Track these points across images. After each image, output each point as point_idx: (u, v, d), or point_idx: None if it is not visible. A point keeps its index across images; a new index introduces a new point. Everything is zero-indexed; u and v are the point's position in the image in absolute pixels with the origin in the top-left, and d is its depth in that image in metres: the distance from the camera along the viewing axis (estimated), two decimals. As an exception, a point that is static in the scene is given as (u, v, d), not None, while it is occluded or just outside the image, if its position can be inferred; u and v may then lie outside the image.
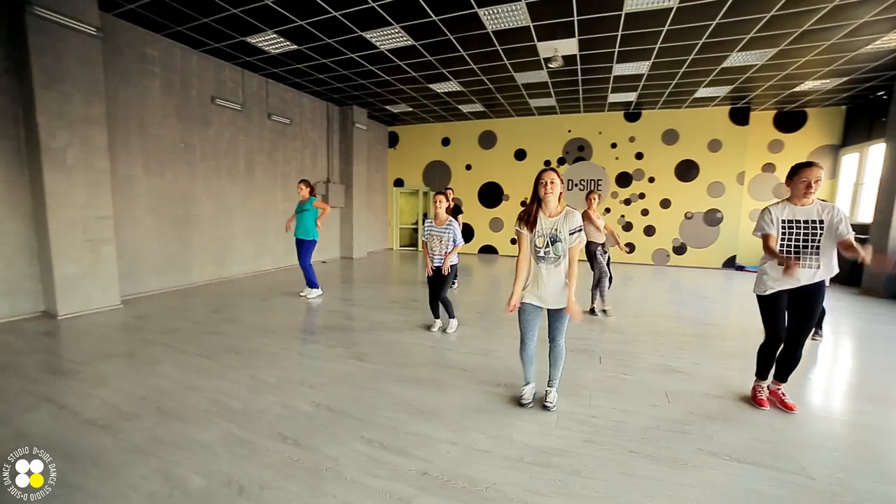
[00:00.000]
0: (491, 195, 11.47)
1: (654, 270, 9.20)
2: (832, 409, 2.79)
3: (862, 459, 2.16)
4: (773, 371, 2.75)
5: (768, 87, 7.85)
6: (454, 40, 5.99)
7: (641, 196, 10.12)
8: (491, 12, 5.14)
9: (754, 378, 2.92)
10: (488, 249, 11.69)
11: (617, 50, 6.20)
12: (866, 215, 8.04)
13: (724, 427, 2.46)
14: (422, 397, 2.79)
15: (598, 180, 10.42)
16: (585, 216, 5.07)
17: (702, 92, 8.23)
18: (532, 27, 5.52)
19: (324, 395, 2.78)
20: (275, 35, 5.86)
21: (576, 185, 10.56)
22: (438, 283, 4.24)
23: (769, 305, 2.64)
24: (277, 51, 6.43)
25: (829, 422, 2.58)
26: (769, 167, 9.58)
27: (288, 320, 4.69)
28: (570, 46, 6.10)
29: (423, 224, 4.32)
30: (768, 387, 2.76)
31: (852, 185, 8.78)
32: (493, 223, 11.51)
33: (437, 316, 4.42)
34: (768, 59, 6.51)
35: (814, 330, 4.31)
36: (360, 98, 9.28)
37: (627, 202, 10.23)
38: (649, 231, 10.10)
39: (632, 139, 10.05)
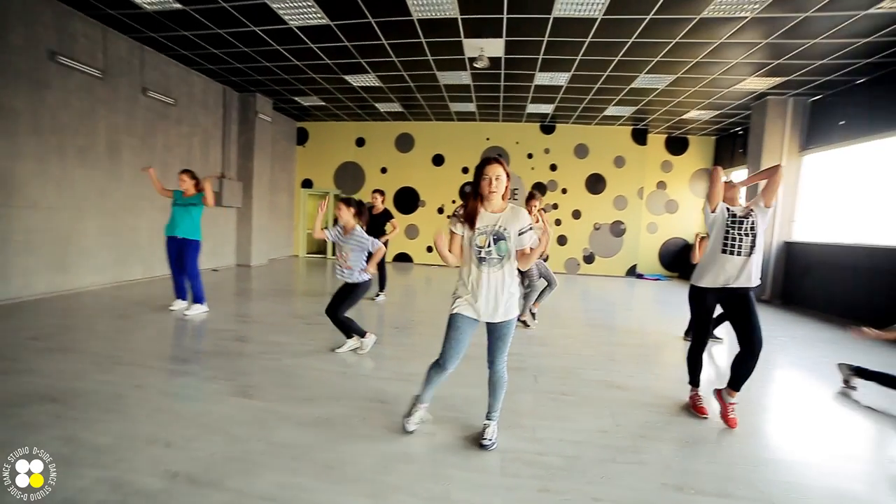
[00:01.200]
0: (407, 201, 10.99)
1: (566, 279, 9.50)
2: (763, 420, 2.78)
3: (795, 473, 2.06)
4: (728, 378, 2.65)
5: (663, 111, 8.64)
6: (375, 25, 5.41)
7: (555, 206, 10.49)
8: (417, -4, 4.70)
9: (689, 387, 2.83)
10: (403, 258, 11.15)
11: (541, 57, 6.19)
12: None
13: (678, 452, 2.24)
14: (328, 446, 2.13)
15: (515, 189, 10.57)
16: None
17: (610, 110, 8.77)
18: (460, 20, 5.20)
19: (186, 456, 1.97)
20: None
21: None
22: (345, 296, 3.55)
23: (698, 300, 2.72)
24: (154, 7, 5.20)
25: (764, 435, 2.53)
26: (662, 185, 10.62)
27: (152, 346, 3.61)
28: (496, 47, 5.93)
29: (333, 227, 3.62)
30: (722, 396, 2.66)
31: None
32: (408, 230, 11.02)
33: (348, 335, 3.73)
34: (667, 85, 7.09)
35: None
36: (264, 85, 8.15)
37: (542, 212, 10.53)
38: (562, 240, 10.49)
39: (547, 151, 10.40)
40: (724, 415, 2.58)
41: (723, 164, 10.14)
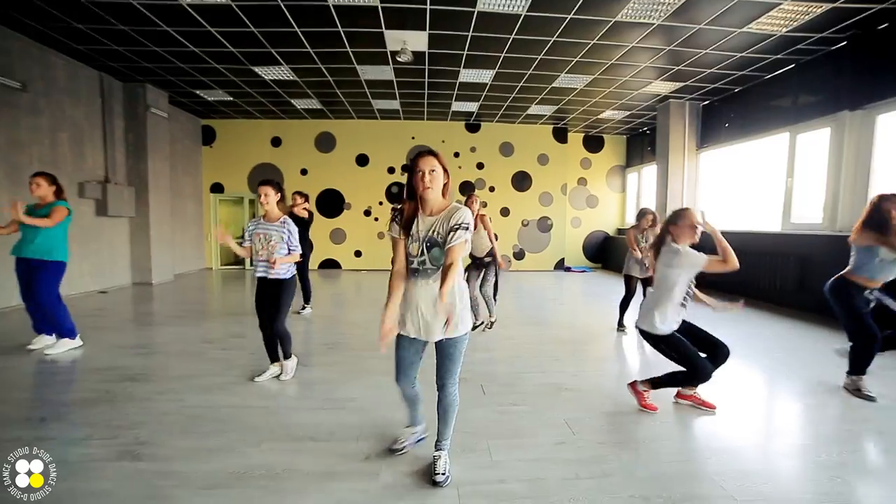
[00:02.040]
0: (331, 203, 10.34)
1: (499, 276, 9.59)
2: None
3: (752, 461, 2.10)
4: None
5: (581, 111, 9.07)
6: (285, 9, 4.85)
7: (484, 204, 10.54)
8: (331, -22, 4.26)
9: (643, 385, 2.78)
10: (330, 264, 10.48)
11: (465, 53, 6.06)
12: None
13: (636, 456, 2.17)
14: (249, 513, 1.71)
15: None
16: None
17: (533, 109, 8.99)
18: (381, 9, 4.86)
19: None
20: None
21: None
22: (272, 301, 3.08)
23: None
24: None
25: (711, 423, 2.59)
26: (583, 181, 11.22)
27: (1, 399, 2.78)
28: (419, 41, 5.67)
29: (248, 224, 3.10)
30: (687, 394, 2.72)
31: (636, 196, 10.93)
32: (334, 234, 10.39)
33: (273, 358, 3.24)
34: (585, 85, 7.40)
35: (618, 323, 4.85)
36: (156, 74, 7.03)
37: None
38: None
39: (473, 149, 10.42)
40: (702, 402, 2.69)
41: (633, 162, 11.00)
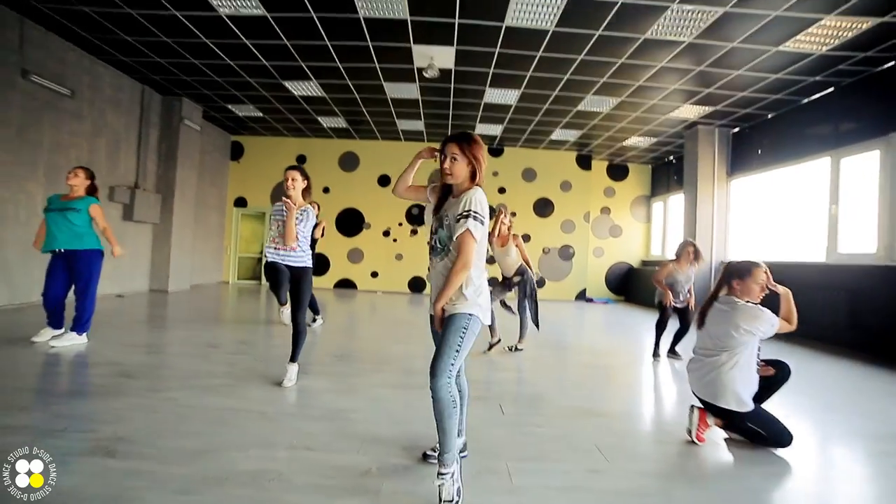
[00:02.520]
0: (350, 223, 10.33)
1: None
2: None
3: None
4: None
5: (606, 137, 8.95)
6: (318, 21, 4.97)
7: (514, 214, 10.34)
8: (364, -11, 4.34)
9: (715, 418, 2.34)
10: (345, 284, 10.34)
11: (492, 71, 6.07)
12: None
13: (686, 490, 1.81)
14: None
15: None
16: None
17: (557, 134, 8.92)
18: (410, 22, 4.92)
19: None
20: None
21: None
22: (292, 292, 2.94)
23: None
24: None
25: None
26: (606, 210, 10.95)
27: (-12, 388, 2.63)
28: (446, 57, 5.71)
29: (273, 207, 2.99)
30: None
31: (661, 226, 10.56)
32: (351, 254, 10.32)
33: (294, 356, 2.98)
34: (611, 108, 7.30)
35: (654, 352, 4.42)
36: (192, 88, 7.31)
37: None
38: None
39: (495, 174, 10.36)
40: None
41: (658, 191, 10.70)
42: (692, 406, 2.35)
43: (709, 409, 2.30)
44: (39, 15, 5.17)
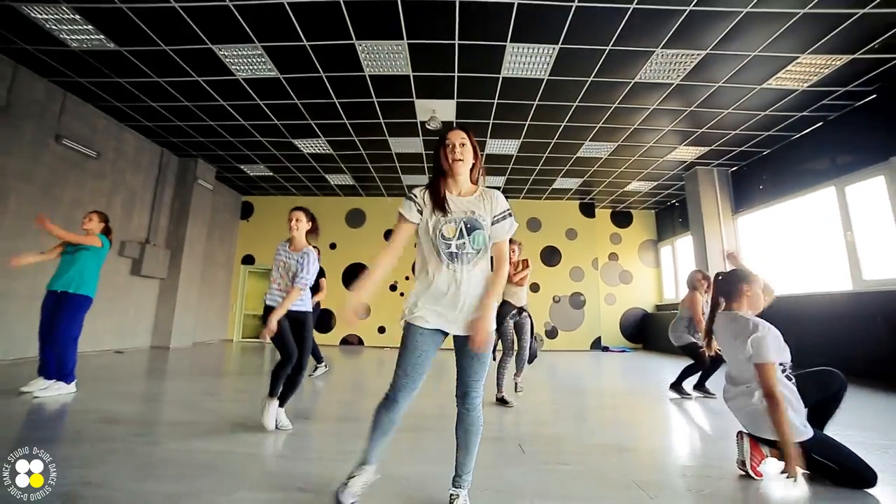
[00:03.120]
0: (357, 278, 10.25)
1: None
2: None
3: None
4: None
5: (607, 184, 9.13)
6: (326, 80, 5.34)
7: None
8: (370, 49, 4.70)
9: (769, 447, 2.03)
10: (352, 340, 10.05)
11: (491, 121, 6.37)
12: (691, 295, 9.29)
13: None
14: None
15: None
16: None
17: (559, 182, 9.13)
18: (412, 78, 5.26)
19: None
20: (75, 14, 4.27)
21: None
22: (296, 334, 2.81)
23: None
24: (81, 46, 4.79)
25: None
26: (614, 256, 10.85)
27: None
28: (447, 110, 6.03)
29: (280, 245, 2.95)
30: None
31: (672, 270, 10.35)
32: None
33: (281, 398, 2.74)
34: (609, 154, 7.52)
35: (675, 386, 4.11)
36: (207, 149, 7.73)
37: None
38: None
39: (501, 224, 10.44)
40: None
41: (665, 235, 10.67)
42: (739, 432, 2.07)
43: (761, 441, 2.01)
44: (79, 88, 5.69)
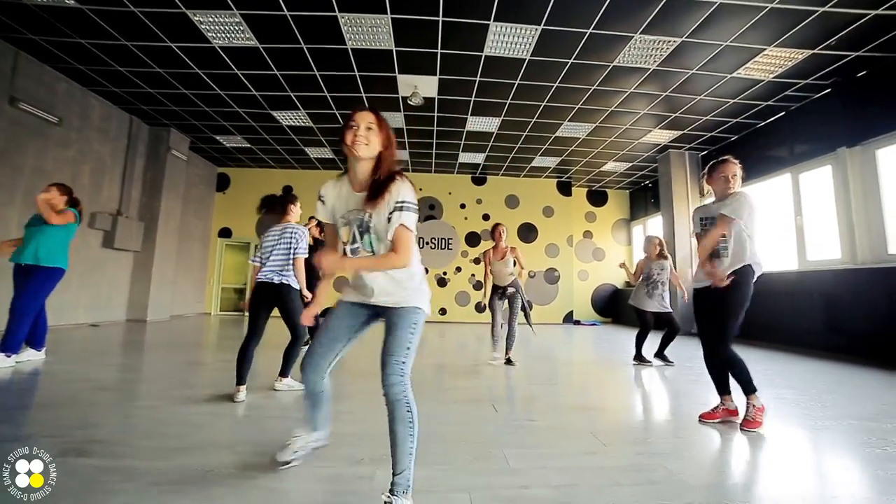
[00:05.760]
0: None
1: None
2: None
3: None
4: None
5: (584, 163, 9.36)
6: (308, 52, 5.22)
7: (476, 261, 10.49)
8: (353, 21, 4.62)
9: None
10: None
11: (473, 99, 6.40)
12: (658, 272, 9.80)
13: (688, 466, 1.81)
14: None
15: (449, 239, 10.48)
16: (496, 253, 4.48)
17: (538, 160, 9.29)
18: (395, 53, 5.21)
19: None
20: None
21: (427, 242, 10.40)
22: (284, 315, 2.94)
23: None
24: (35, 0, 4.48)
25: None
26: (588, 234, 11.25)
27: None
28: (430, 86, 6.02)
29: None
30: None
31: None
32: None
33: (241, 380, 2.78)
34: (587, 134, 7.70)
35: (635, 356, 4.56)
36: (181, 118, 7.44)
37: (477, 261, 10.43)
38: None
39: (479, 201, 10.62)
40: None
41: (637, 215, 11.11)
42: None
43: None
44: (35, 47, 5.31)
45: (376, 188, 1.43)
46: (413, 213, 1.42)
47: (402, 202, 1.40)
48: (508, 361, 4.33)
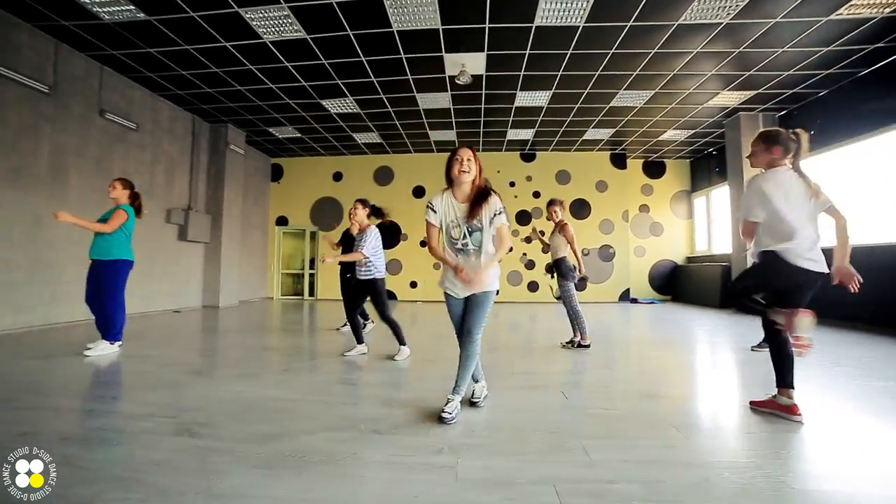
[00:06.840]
0: (387, 235, 10.51)
1: (559, 308, 9.03)
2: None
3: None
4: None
5: (640, 133, 8.75)
6: (354, 38, 5.22)
7: (542, 233, 10.20)
8: (398, 2, 4.53)
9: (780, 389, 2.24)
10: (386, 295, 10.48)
11: (522, 73, 6.13)
12: (723, 247, 9.09)
13: (785, 463, 1.68)
14: (298, 495, 1.48)
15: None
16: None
17: (590, 133, 8.82)
18: (441, 31, 5.07)
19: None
20: (105, -7, 4.32)
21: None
22: (373, 301, 3.86)
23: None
24: (114, 17, 4.83)
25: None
26: (645, 208, 10.62)
27: (67, 387, 2.84)
28: (477, 63, 5.82)
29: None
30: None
31: (706, 222, 10.10)
32: (390, 265, 10.46)
33: (359, 339, 3.93)
34: (645, 102, 7.16)
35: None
36: (237, 114, 7.81)
37: (528, 240, 10.20)
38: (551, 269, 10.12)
39: (529, 178, 10.32)
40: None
41: (699, 186, 10.30)
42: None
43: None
44: (114, 61, 5.82)
45: (477, 200, 2.19)
46: (506, 215, 2.21)
47: (500, 210, 2.20)
48: (577, 345, 4.26)
